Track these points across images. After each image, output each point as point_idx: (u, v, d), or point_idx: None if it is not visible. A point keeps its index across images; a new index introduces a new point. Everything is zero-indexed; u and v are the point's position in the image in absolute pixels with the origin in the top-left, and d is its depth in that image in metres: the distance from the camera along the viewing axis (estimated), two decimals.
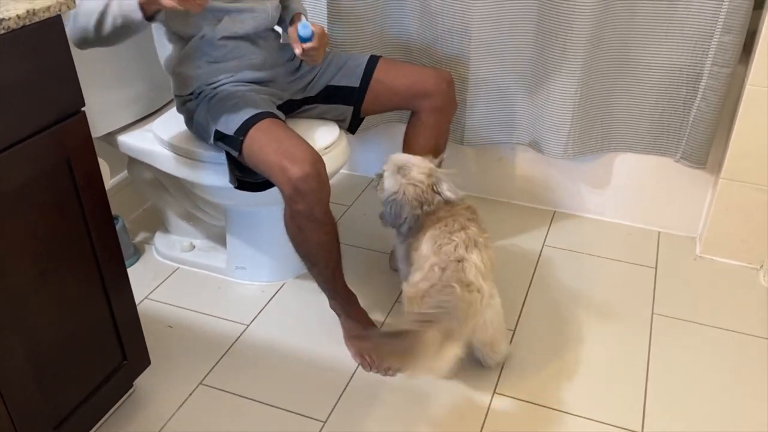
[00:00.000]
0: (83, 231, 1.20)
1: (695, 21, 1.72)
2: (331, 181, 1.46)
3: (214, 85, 1.55)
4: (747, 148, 1.74)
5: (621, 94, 1.87)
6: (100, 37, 1.35)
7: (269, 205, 1.68)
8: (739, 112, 1.71)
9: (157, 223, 2.03)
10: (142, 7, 1.29)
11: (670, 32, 1.76)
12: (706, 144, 1.81)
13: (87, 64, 1.56)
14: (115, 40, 1.38)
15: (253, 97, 1.52)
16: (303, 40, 1.50)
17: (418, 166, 1.52)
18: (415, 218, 1.50)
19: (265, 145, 1.41)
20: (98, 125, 1.69)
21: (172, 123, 1.69)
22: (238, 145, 1.44)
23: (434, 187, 1.51)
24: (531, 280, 1.84)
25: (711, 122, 1.78)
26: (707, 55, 1.73)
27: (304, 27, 1.49)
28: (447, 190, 1.51)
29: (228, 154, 1.50)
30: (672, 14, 1.73)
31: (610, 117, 1.91)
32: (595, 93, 1.86)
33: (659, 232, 2.04)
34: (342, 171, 2.36)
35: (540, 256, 1.94)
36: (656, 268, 1.89)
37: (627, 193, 2.04)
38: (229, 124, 1.46)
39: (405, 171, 1.52)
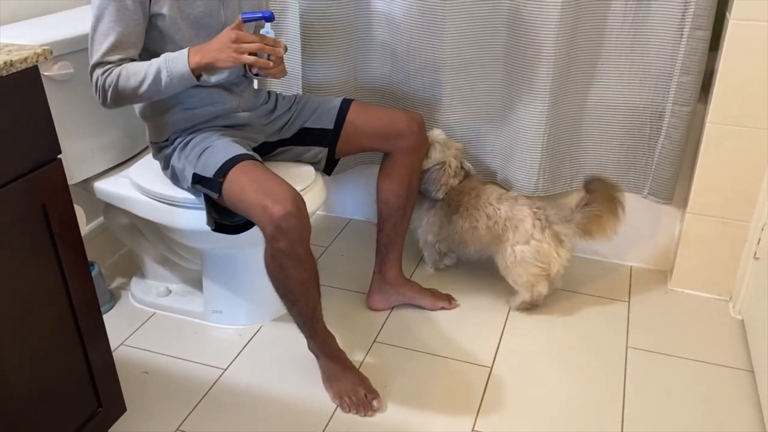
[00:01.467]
0: (59, 278, 1.20)
1: (655, 62, 1.79)
2: None
3: (190, 131, 1.58)
4: (710, 183, 1.80)
5: (588, 133, 1.93)
6: (140, 96, 1.43)
7: (245, 247, 1.71)
8: (701, 149, 1.78)
9: (133, 269, 2.03)
10: (192, 70, 1.39)
11: (633, 73, 1.83)
12: (671, 180, 1.87)
13: (64, 113, 1.59)
14: (152, 98, 1.47)
15: (229, 140, 1.55)
16: (266, 19, 1.44)
17: (455, 145, 1.91)
18: (449, 187, 1.89)
19: (245, 186, 1.43)
20: (74, 172, 1.70)
21: (148, 169, 1.71)
22: (217, 187, 1.46)
23: (463, 164, 1.92)
24: (506, 317, 1.86)
25: (675, 159, 1.84)
26: (668, 94, 1.80)
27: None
28: (468, 164, 1.96)
29: (206, 197, 1.52)
30: (633, 56, 1.81)
31: (579, 155, 1.96)
32: (563, 132, 1.92)
33: (631, 267, 2.08)
34: (318, 212, 2.38)
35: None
36: (629, 302, 1.93)
37: None
38: (207, 167, 1.48)
39: (447, 146, 1.88)
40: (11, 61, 1.03)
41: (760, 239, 1.72)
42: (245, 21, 1.41)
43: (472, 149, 2.03)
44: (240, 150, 1.50)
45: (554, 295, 1.94)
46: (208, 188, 1.48)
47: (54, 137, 1.15)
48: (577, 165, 1.98)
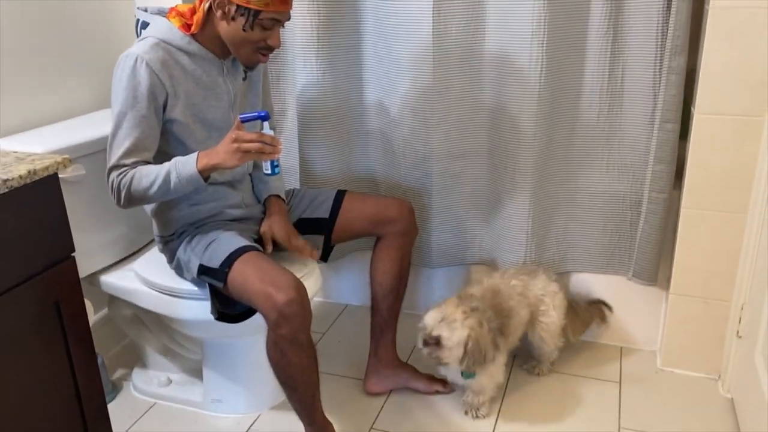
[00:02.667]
0: (67, 371, 1.26)
1: (631, 153, 1.92)
2: None
3: (196, 225, 1.67)
4: (690, 264, 1.88)
5: (572, 219, 2.03)
6: (151, 197, 1.53)
7: (244, 336, 1.77)
8: (678, 233, 1.87)
9: (135, 359, 2.07)
10: (200, 172, 1.48)
11: (611, 163, 1.95)
12: (653, 262, 1.95)
13: (74, 211, 1.68)
14: (162, 199, 1.56)
15: (234, 233, 1.64)
16: (262, 118, 1.53)
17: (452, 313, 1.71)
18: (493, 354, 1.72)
19: (249, 275, 1.51)
20: (82, 266, 1.77)
21: (152, 262, 1.79)
22: (223, 277, 1.53)
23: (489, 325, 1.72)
24: (502, 400, 1.90)
25: (656, 242, 1.93)
26: (645, 182, 1.91)
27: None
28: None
29: (210, 288, 1.59)
30: (611, 148, 1.93)
31: (564, 240, 2.05)
32: (548, 218, 2.02)
33: (621, 347, 2.13)
34: (315, 298, 2.44)
35: (509, 375, 2.00)
36: (620, 382, 1.97)
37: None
38: (213, 259, 1.56)
39: (449, 319, 1.68)
40: (34, 170, 1.14)
41: (741, 318, 1.78)
42: (243, 122, 1.52)
43: (461, 234, 2.11)
44: (244, 242, 1.59)
45: (548, 377, 1.98)
46: (214, 278, 1.56)
47: (69, 236, 1.24)
48: (563, 249, 2.06)
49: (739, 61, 1.67)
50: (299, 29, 1.96)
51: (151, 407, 1.92)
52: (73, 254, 1.25)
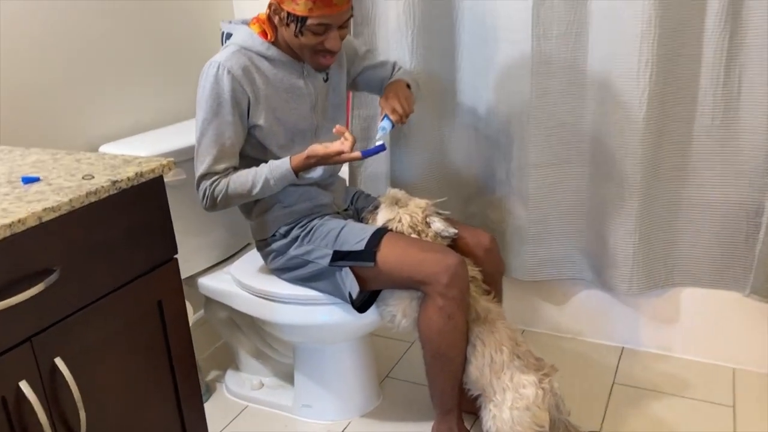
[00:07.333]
0: (167, 370, 1.28)
1: (747, 159, 1.77)
2: None
3: (299, 223, 1.67)
4: None
5: (681, 231, 1.90)
6: (248, 200, 1.60)
7: (337, 341, 1.78)
8: None
9: (228, 362, 2.10)
10: (295, 171, 1.53)
11: (725, 171, 1.81)
12: None
13: (174, 214, 1.72)
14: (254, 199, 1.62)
15: (351, 220, 1.67)
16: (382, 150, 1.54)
17: (414, 200, 1.67)
18: None
19: (407, 248, 1.54)
20: (181, 269, 1.81)
21: (248, 266, 1.81)
22: (371, 257, 1.54)
23: (427, 220, 1.63)
24: (603, 419, 1.79)
25: None
26: (765, 191, 1.76)
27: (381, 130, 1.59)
28: (438, 223, 1.62)
29: (341, 275, 1.57)
30: (724, 153, 1.80)
31: (673, 252, 1.93)
32: (655, 230, 1.90)
33: (733, 369, 1.98)
34: None
35: (611, 394, 1.90)
36: (734, 406, 1.82)
37: (697, 328, 2.00)
38: (352, 243, 1.57)
39: (402, 203, 1.66)
40: (141, 171, 1.16)
41: None
42: (365, 156, 1.52)
43: (560, 246, 2.03)
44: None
45: (653, 397, 1.86)
46: (360, 260, 1.55)
47: (173, 239, 1.26)
48: (671, 263, 1.94)
49: None
50: (392, 31, 1.93)
51: (243, 410, 1.94)
52: (176, 256, 1.27)
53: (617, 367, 2.02)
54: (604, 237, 1.94)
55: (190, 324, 2.09)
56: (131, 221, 1.15)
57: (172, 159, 1.23)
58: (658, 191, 1.86)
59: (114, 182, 1.10)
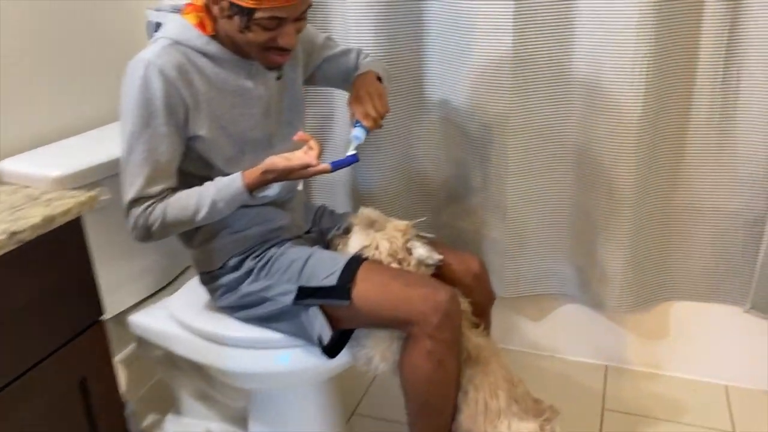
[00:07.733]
0: None
1: (746, 164, 1.63)
2: None
3: (253, 253, 1.40)
4: None
5: (674, 242, 1.75)
6: (190, 224, 1.30)
7: (298, 385, 1.54)
8: None
9: (167, 402, 1.81)
10: (249, 189, 1.27)
11: (721, 176, 1.66)
12: None
13: (96, 241, 1.41)
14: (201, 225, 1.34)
15: (318, 247, 1.42)
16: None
17: (392, 221, 1.42)
18: None
19: (389, 282, 1.30)
20: (108, 305, 1.50)
21: (190, 300, 1.52)
22: (346, 294, 1.29)
23: (408, 245, 1.38)
24: None
25: None
26: (766, 198, 1.62)
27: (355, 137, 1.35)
28: (421, 249, 1.37)
29: (308, 315, 1.33)
30: (720, 157, 1.64)
31: (666, 265, 1.77)
32: (648, 241, 1.73)
33: (726, 386, 1.85)
34: None
35: (602, 423, 1.73)
36: (734, 430, 1.68)
37: (685, 344, 1.87)
38: (321, 276, 1.31)
39: (378, 226, 1.40)
40: (51, 216, 0.86)
41: None
42: (335, 168, 1.26)
43: (542, 260, 1.83)
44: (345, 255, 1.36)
45: (653, 427, 1.70)
46: (333, 298, 1.30)
47: (96, 294, 0.98)
48: (663, 275, 1.78)
49: None
50: (350, 16, 1.67)
51: None
52: (102, 318, 0.98)
53: (604, 389, 1.86)
54: (591, 249, 1.75)
55: (120, 359, 1.81)
56: (38, 284, 0.86)
57: (94, 193, 0.94)
58: (649, 197, 1.69)
59: (13, 234, 0.81)
